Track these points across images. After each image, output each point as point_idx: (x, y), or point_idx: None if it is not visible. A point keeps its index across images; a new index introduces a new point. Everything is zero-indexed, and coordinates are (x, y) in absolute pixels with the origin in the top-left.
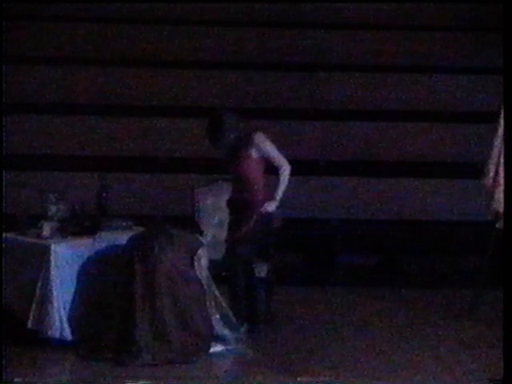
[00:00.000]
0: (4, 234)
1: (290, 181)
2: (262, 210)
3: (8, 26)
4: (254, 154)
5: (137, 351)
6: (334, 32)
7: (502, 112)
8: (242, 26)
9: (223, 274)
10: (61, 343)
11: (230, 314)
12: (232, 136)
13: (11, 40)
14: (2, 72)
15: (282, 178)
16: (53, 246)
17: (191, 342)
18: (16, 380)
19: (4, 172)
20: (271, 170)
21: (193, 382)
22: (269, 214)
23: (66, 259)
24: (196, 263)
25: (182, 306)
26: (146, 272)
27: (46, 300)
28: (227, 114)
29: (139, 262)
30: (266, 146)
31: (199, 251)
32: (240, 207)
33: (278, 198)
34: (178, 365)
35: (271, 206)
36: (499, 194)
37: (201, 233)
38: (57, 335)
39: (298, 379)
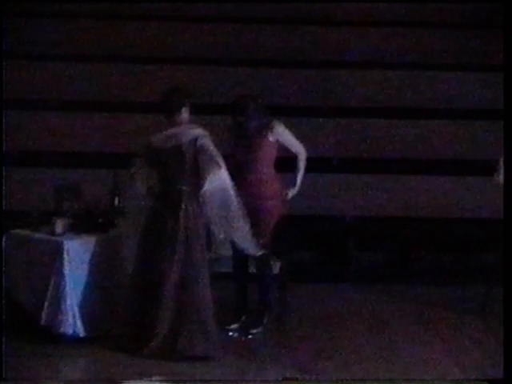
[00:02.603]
0: (17, 231)
1: (304, 176)
2: (284, 196)
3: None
4: (271, 140)
5: (154, 345)
6: (347, 29)
7: None
8: (257, 23)
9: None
10: (74, 339)
11: None
12: (254, 122)
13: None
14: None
15: (300, 165)
16: (66, 243)
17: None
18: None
19: (18, 169)
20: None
21: (203, 376)
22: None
23: (79, 256)
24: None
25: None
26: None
27: (59, 297)
28: (253, 100)
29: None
30: (285, 132)
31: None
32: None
33: (298, 183)
34: (186, 360)
35: (292, 192)
36: None
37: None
38: (70, 332)
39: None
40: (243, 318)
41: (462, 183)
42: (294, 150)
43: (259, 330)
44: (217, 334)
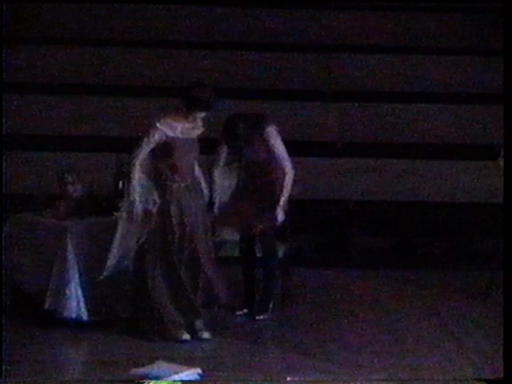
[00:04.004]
0: (21, 215)
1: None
2: (274, 220)
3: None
4: (265, 145)
5: (164, 327)
6: (348, 13)
7: None
8: (259, 6)
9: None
10: (77, 324)
11: None
12: (247, 138)
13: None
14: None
15: (286, 183)
16: (69, 227)
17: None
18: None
19: (22, 152)
20: None
21: (206, 363)
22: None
23: (82, 240)
24: None
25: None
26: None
27: (62, 281)
28: (241, 120)
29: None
30: (276, 141)
31: None
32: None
33: (282, 205)
34: (188, 345)
35: (281, 215)
36: None
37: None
38: (73, 315)
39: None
40: (250, 303)
41: (466, 168)
42: (279, 161)
43: (265, 315)
44: (175, 317)
